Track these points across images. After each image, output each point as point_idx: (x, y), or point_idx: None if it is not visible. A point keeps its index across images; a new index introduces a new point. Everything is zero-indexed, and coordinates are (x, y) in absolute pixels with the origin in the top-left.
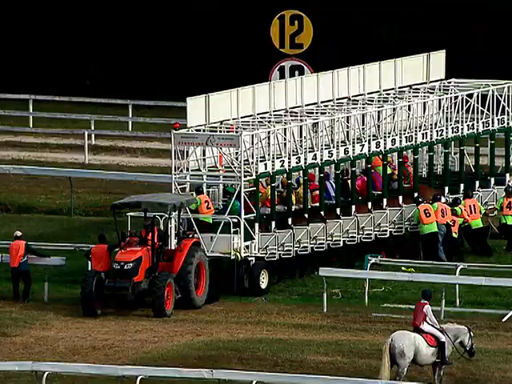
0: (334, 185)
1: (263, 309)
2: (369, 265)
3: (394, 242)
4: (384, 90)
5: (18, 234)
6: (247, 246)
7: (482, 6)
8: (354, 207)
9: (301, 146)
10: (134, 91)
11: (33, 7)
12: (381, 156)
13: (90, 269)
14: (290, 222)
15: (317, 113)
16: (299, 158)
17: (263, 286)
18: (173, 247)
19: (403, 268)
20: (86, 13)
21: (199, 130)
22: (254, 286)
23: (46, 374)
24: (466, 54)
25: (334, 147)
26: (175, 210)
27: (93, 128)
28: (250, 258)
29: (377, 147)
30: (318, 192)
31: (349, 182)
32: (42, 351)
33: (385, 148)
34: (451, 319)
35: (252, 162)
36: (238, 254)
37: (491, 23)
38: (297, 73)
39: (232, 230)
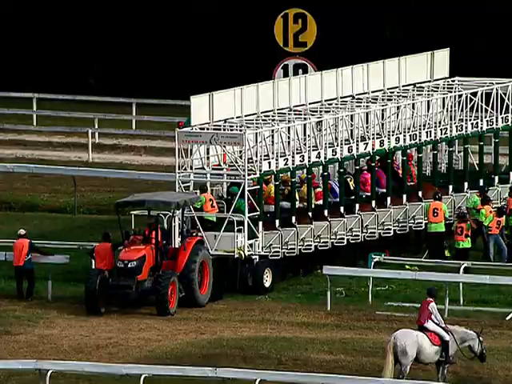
0: (337, 184)
1: (267, 307)
2: (372, 263)
3: (397, 241)
4: (388, 89)
5: (22, 232)
6: (251, 245)
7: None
8: (357, 206)
9: (305, 145)
10: (137, 90)
11: (36, 6)
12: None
13: (93, 267)
14: (293, 221)
15: (321, 111)
16: (303, 156)
17: (267, 284)
18: (176, 246)
19: (407, 266)
20: (89, 12)
21: (203, 129)
22: (258, 284)
23: (50, 372)
24: (467, 53)
25: (337, 145)
26: (179, 208)
27: (96, 126)
28: (253, 257)
29: (381, 145)
30: (319, 190)
31: (348, 180)
32: (46, 349)
33: (388, 146)
34: (456, 318)
35: (256, 161)
36: (241, 252)
37: (492, 23)
38: (300, 71)
39: (236, 229)
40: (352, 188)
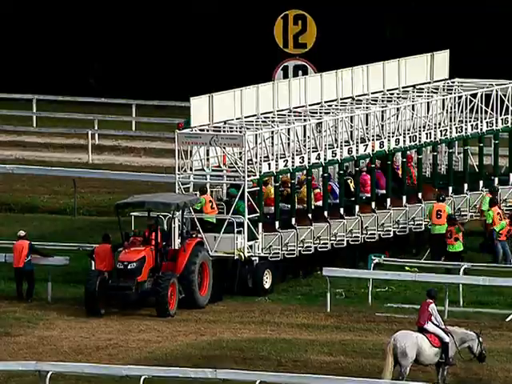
0: (337, 185)
1: (267, 308)
2: (372, 264)
3: (397, 242)
4: (388, 90)
5: (22, 233)
6: (251, 246)
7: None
8: (357, 207)
9: (304, 146)
10: (137, 91)
11: (36, 6)
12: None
13: (93, 268)
14: (293, 222)
15: (320, 112)
16: (303, 157)
17: (267, 285)
18: (176, 247)
19: (407, 268)
20: (89, 13)
21: (203, 130)
22: (257, 285)
23: (50, 373)
24: (467, 53)
25: (337, 147)
26: (179, 209)
27: (96, 128)
28: (253, 258)
29: (380, 147)
30: (318, 191)
31: (349, 181)
32: (46, 351)
33: (388, 148)
34: (455, 319)
35: (256, 162)
36: (241, 253)
37: (492, 23)
38: (300, 72)
39: (235, 230)
40: (352, 189)
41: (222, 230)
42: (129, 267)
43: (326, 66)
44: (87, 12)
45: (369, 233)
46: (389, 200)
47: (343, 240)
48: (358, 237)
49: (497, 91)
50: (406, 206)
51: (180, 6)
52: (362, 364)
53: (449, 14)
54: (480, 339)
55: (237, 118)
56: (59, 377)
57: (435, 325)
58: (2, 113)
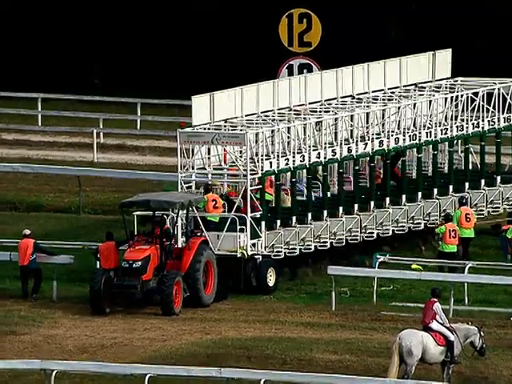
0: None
1: (271, 307)
2: (377, 263)
3: (398, 241)
4: (389, 89)
5: (27, 232)
6: (254, 244)
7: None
8: (356, 206)
9: (305, 144)
10: (142, 90)
11: (40, 6)
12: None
13: (98, 267)
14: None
15: (321, 111)
16: (303, 156)
17: (271, 283)
18: (180, 246)
19: (412, 266)
20: (92, 12)
21: (204, 129)
22: (261, 284)
23: (55, 372)
24: (467, 55)
25: (337, 145)
26: (183, 208)
27: (101, 126)
28: (256, 256)
29: (380, 146)
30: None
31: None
32: (51, 349)
33: (388, 147)
34: (460, 318)
35: (257, 160)
36: (244, 252)
37: (492, 25)
38: (305, 71)
39: (238, 228)
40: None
41: (225, 228)
42: (134, 266)
43: (331, 65)
44: (89, 11)
45: (367, 231)
46: (388, 199)
47: (342, 239)
48: (357, 236)
49: (499, 90)
50: (405, 205)
51: (185, 5)
52: (367, 363)
53: (450, 16)
54: (481, 333)
55: (237, 117)
56: (64, 375)
57: (440, 323)
58: (7, 111)
